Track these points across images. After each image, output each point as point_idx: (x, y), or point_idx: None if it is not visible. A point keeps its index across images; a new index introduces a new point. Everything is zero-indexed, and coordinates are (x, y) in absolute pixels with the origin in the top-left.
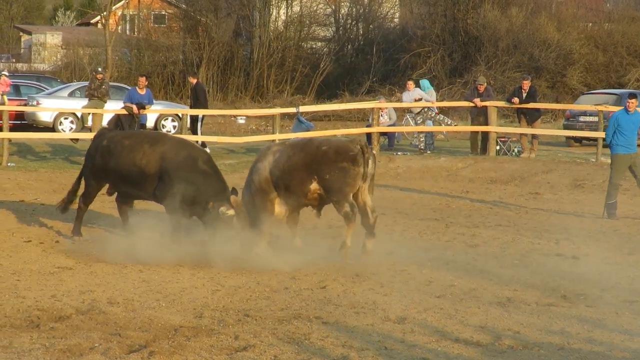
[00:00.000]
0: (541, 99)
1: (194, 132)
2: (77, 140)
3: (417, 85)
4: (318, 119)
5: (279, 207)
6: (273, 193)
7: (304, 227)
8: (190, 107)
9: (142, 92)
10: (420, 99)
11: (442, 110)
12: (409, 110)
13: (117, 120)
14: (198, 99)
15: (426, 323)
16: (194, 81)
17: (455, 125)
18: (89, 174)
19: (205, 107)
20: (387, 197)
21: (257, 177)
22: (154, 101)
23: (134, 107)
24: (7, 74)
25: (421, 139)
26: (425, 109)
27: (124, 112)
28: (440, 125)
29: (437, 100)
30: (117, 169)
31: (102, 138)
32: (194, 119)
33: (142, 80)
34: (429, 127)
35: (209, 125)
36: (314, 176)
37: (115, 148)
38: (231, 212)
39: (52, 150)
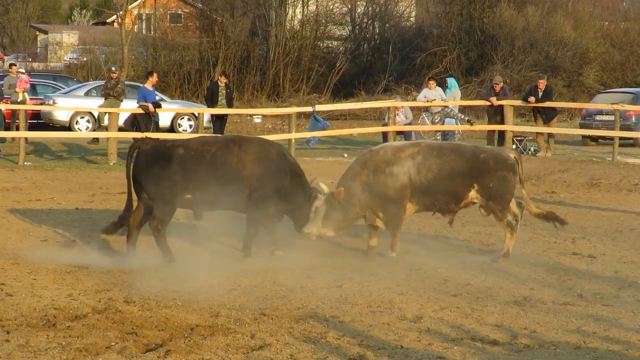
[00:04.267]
0: (557, 97)
1: (220, 131)
2: (97, 140)
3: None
4: (334, 118)
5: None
6: (407, 198)
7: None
8: (227, 106)
9: (150, 89)
10: (434, 100)
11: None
12: (424, 109)
13: (134, 119)
14: (232, 98)
15: (442, 322)
16: (225, 81)
17: (471, 124)
18: (165, 192)
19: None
20: None
21: (392, 181)
22: (170, 100)
23: (150, 106)
24: (23, 71)
25: (437, 138)
26: (444, 108)
27: (140, 111)
28: (458, 120)
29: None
30: (211, 177)
31: (167, 148)
32: (221, 118)
33: (156, 77)
34: (445, 126)
35: None
36: (474, 184)
37: (203, 155)
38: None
39: (68, 149)
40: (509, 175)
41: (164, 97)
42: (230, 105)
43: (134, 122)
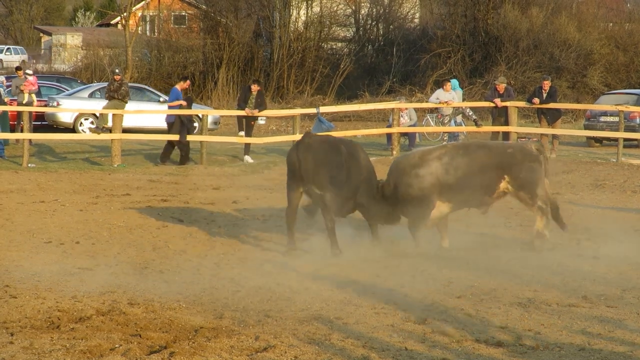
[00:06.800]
0: (561, 99)
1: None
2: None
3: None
4: (338, 120)
5: (438, 211)
6: (435, 198)
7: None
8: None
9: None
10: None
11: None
12: (429, 110)
13: (181, 122)
14: (260, 105)
15: (446, 323)
16: (258, 89)
17: (478, 125)
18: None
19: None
20: None
21: (419, 182)
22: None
23: (183, 102)
24: (29, 72)
25: (444, 139)
26: (455, 110)
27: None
28: (469, 119)
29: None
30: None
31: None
32: (251, 121)
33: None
34: (450, 127)
35: (229, 125)
36: (504, 175)
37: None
38: None
39: (72, 151)
40: (536, 165)
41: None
42: (261, 109)
43: (182, 123)
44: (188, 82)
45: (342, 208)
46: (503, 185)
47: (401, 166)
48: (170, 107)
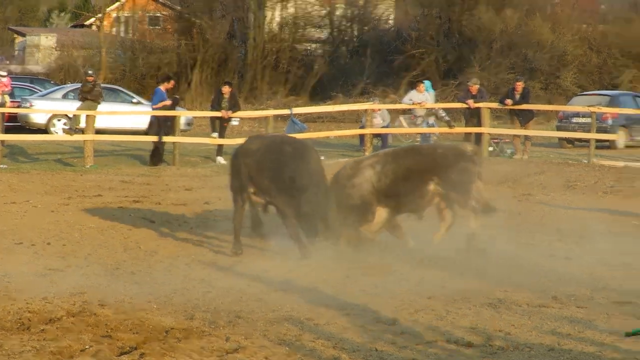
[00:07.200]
0: (534, 100)
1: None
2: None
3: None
4: (312, 121)
5: (380, 216)
6: (375, 204)
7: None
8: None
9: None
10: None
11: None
12: (402, 111)
13: (158, 122)
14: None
15: (417, 324)
16: (229, 90)
17: (451, 126)
18: None
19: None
20: None
21: (358, 191)
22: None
23: (167, 102)
24: (3, 74)
25: (417, 140)
26: (428, 111)
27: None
28: (441, 120)
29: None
30: None
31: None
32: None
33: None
34: (422, 128)
35: (202, 127)
36: (433, 177)
37: None
38: None
39: (44, 152)
40: (469, 166)
41: (141, 100)
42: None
43: (159, 124)
44: (172, 82)
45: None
46: (432, 187)
47: (338, 179)
48: (155, 109)
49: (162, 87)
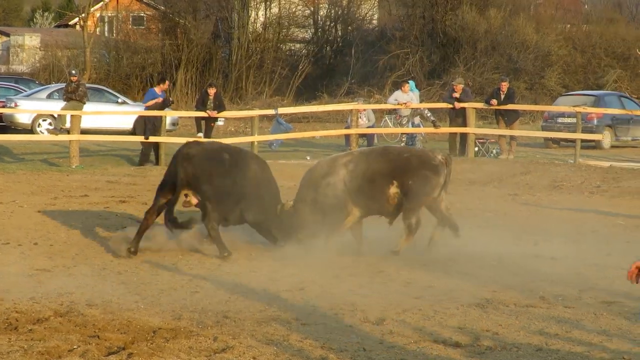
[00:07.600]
0: (519, 100)
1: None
2: (57, 132)
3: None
4: (297, 121)
5: (351, 216)
6: (350, 203)
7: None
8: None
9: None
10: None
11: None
12: (387, 111)
13: (145, 122)
14: (219, 106)
15: (405, 324)
16: (214, 91)
17: (437, 127)
18: None
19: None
20: None
21: (332, 191)
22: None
23: (159, 100)
24: None
25: (402, 140)
26: (413, 111)
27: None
28: (427, 120)
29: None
30: None
31: None
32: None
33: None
34: (408, 128)
35: (187, 127)
36: (394, 181)
37: None
38: None
39: (30, 152)
40: (430, 174)
41: (127, 99)
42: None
43: (146, 123)
44: (167, 82)
45: (227, 218)
46: (393, 190)
47: (313, 179)
48: (147, 108)
49: (157, 89)
